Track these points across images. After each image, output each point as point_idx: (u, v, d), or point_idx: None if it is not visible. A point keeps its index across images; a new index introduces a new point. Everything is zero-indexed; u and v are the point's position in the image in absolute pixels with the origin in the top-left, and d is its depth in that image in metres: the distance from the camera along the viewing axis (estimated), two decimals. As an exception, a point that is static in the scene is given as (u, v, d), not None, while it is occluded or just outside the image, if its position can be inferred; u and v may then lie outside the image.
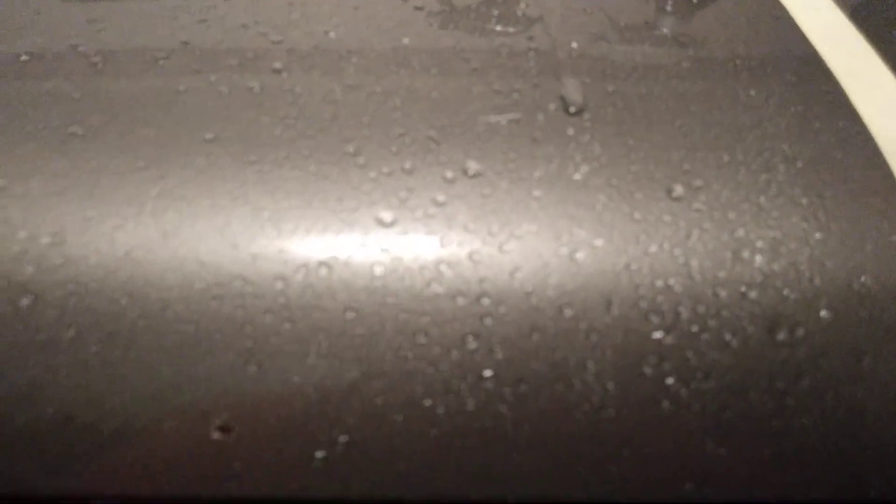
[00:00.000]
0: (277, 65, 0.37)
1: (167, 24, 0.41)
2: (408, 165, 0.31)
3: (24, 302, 0.28)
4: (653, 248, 0.29)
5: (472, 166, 0.31)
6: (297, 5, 0.43)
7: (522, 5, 0.43)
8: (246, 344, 0.27)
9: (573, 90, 0.35)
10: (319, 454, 0.27)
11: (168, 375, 0.27)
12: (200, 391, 0.27)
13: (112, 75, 0.38)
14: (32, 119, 0.34)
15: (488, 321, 0.27)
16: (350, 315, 0.28)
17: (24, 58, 0.38)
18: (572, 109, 0.34)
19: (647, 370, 0.27)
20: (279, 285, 0.28)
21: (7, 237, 0.29)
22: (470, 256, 0.29)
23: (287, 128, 0.33)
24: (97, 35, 0.41)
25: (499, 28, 0.41)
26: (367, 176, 0.31)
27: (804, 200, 0.30)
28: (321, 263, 0.28)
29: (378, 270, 0.28)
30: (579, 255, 0.28)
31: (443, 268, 0.28)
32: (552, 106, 0.34)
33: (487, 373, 0.27)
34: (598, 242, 0.29)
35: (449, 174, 0.31)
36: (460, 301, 0.28)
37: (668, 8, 0.45)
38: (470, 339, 0.27)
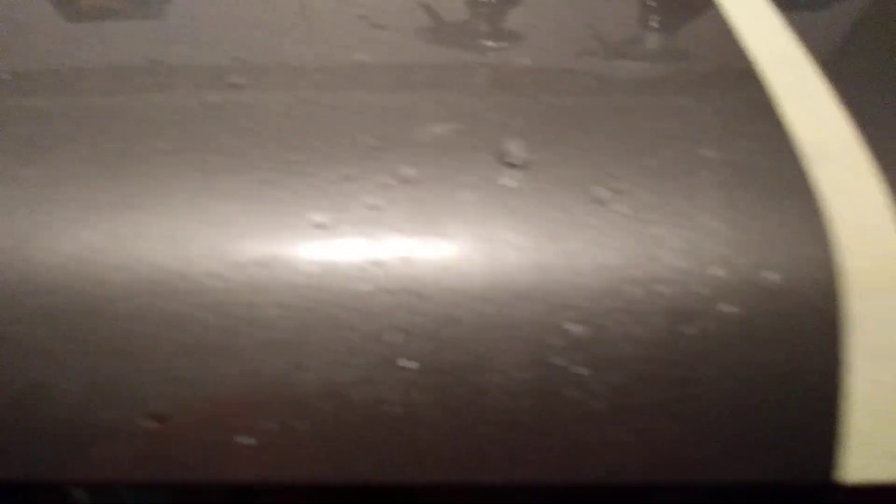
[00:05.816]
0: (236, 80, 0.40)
1: (137, 42, 0.45)
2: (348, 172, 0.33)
3: None
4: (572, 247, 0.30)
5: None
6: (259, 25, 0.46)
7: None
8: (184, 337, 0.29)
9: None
10: (248, 440, 0.29)
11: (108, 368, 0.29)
12: (137, 382, 0.29)
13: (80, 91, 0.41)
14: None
15: (412, 316, 0.29)
16: (281, 311, 0.29)
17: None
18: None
19: (559, 361, 0.29)
20: (218, 283, 0.30)
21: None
22: (398, 256, 0.30)
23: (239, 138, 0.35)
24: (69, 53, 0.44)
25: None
26: (307, 182, 0.32)
27: (717, 202, 0.32)
28: (258, 263, 0.30)
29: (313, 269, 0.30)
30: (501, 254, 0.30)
31: (372, 267, 0.30)
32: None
33: (409, 364, 0.29)
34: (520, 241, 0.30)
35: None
36: (386, 297, 0.29)
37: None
38: (394, 331, 0.29)
